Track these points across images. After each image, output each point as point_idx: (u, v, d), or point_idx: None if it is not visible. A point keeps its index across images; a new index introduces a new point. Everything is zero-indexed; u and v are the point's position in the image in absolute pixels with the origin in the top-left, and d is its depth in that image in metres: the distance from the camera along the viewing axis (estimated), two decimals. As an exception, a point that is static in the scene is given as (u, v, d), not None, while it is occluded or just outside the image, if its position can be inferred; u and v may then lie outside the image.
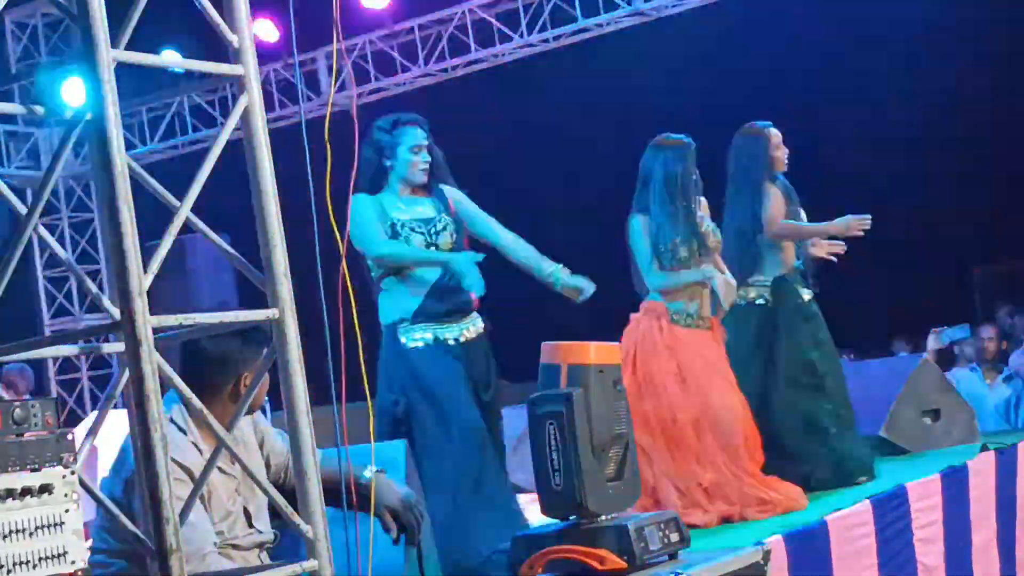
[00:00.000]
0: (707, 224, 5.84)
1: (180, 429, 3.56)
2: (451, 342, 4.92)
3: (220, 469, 3.59)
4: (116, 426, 3.60)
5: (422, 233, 4.99)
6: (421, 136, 5.07)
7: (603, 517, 3.43)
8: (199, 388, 2.59)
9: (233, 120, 2.63)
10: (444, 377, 4.82)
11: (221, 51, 2.80)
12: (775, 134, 6.28)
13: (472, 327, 5.00)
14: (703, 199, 5.90)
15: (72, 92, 11.09)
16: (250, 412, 3.74)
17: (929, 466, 5.96)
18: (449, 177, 5.19)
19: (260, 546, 3.67)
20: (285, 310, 2.65)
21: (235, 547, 3.58)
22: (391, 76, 13.04)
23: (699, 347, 5.66)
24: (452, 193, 5.16)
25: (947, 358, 8.37)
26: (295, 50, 3.53)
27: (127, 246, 2.38)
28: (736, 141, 6.34)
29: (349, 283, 3.02)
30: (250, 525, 3.66)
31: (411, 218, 5.01)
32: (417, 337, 4.90)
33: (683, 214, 5.67)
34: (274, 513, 3.71)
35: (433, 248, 4.98)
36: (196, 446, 3.56)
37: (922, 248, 13.20)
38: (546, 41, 12.41)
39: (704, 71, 12.53)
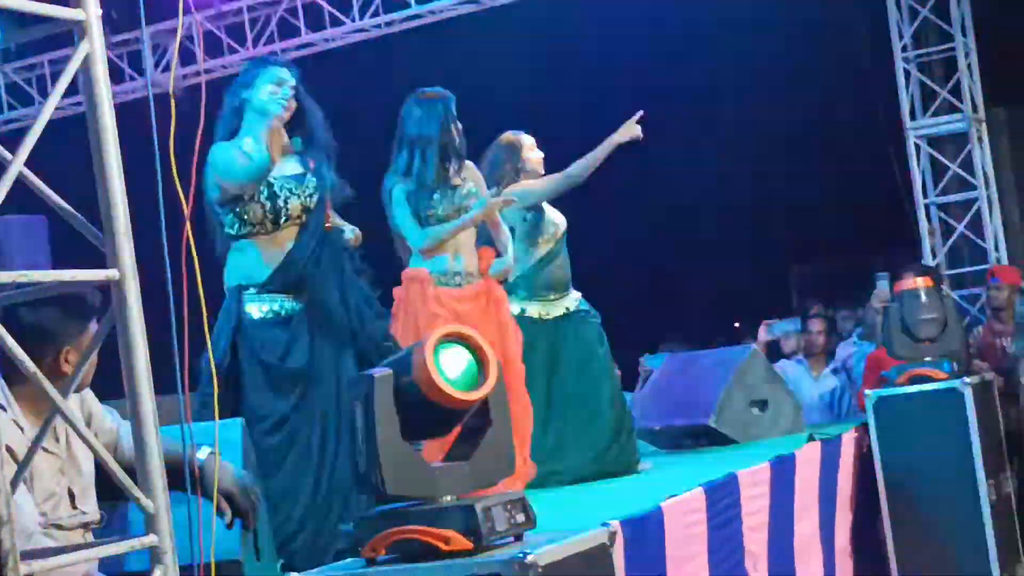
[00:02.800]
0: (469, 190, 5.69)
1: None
2: None
3: (43, 448, 3.40)
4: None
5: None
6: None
7: (449, 497, 3.34)
8: (13, 360, 2.39)
9: (73, 66, 2.45)
10: None
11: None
12: (528, 139, 6.37)
13: None
14: (470, 163, 5.80)
15: None
16: (76, 391, 3.55)
17: (756, 456, 6.03)
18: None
19: (85, 526, 3.50)
20: (126, 271, 2.48)
21: (58, 527, 3.40)
22: (218, 58, 12.73)
23: (475, 308, 5.57)
24: None
25: (775, 350, 8.57)
26: (143, 20, 3.35)
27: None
28: (491, 150, 6.39)
29: (195, 252, 2.86)
30: (74, 506, 3.48)
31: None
32: None
33: (441, 175, 5.57)
34: (100, 493, 3.55)
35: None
36: (17, 424, 3.37)
37: (744, 246, 13.47)
38: (378, 26, 12.26)
39: (538, 61, 12.54)
